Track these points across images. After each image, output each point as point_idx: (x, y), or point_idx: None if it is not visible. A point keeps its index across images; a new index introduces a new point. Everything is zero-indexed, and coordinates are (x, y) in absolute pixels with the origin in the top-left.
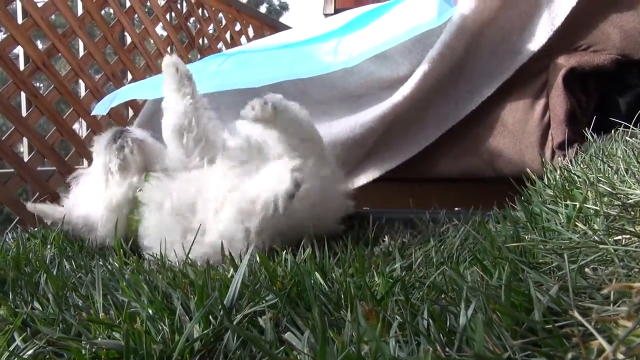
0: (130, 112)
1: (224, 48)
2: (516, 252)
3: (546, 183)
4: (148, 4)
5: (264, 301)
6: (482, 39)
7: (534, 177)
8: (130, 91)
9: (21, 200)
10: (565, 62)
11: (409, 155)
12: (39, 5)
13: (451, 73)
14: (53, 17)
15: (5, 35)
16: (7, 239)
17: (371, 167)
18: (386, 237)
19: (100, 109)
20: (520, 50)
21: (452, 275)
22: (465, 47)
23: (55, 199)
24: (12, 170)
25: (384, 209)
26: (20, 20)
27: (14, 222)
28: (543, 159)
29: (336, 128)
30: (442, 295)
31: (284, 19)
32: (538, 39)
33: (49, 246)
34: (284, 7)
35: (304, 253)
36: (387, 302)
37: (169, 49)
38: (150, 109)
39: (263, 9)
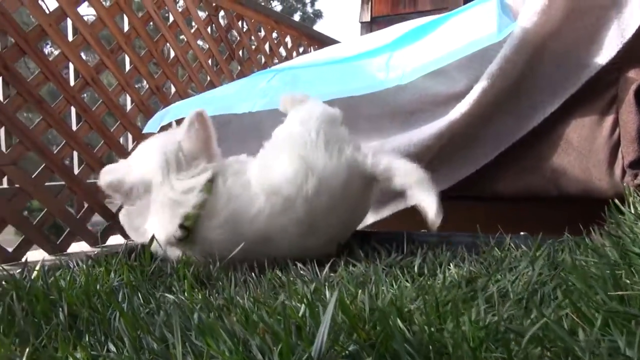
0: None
1: (262, 59)
2: (616, 299)
3: (633, 212)
4: (190, 17)
5: (346, 351)
6: (544, 52)
7: (619, 205)
8: (180, 108)
9: (70, 210)
10: (636, 76)
11: (465, 174)
12: (87, 21)
13: (511, 88)
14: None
15: (58, 53)
16: (70, 264)
17: None
18: (451, 265)
19: (152, 126)
20: (586, 63)
21: (551, 325)
22: (526, 61)
23: (103, 210)
24: (62, 183)
25: (444, 231)
26: (70, 38)
27: (63, 235)
28: (622, 182)
29: (388, 146)
30: (545, 351)
31: (318, 27)
32: (606, 52)
33: (112, 275)
34: (318, 15)
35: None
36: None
37: (210, 61)
38: None
39: (297, 17)
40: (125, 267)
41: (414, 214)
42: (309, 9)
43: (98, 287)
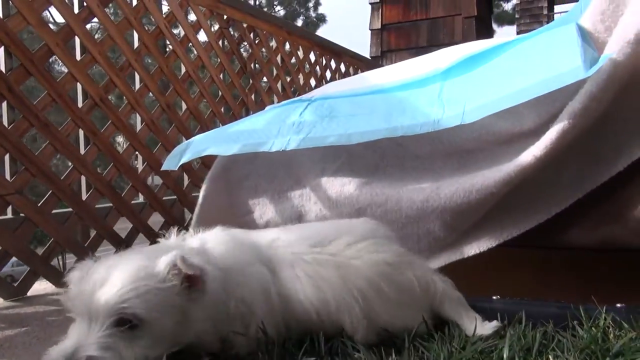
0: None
1: (274, 71)
2: None
3: None
4: (201, 31)
5: None
6: (634, 88)
7: None
8: (203, 143)
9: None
10: None
11: (534, 223)
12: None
13: (593, 129)
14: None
15: (65, 73)
16: None
17: (486, 235)
18: (550, 357)
19: (171, 163)
20: None
21: None
22: (613, 98)
23: (112, 236)
24: (70, 209)
25: (517, 298)
26: (78, 57)
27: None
28: None
29: (445, 191)
30: None
31: (321, 31)
32: None
33: None
34: (321, 19)
35: None
36: None
37: (221, 75)
38: (224, 161)
39: (299, 21)
40: None
41: (476, 273)
42: (312, 14)
43: None
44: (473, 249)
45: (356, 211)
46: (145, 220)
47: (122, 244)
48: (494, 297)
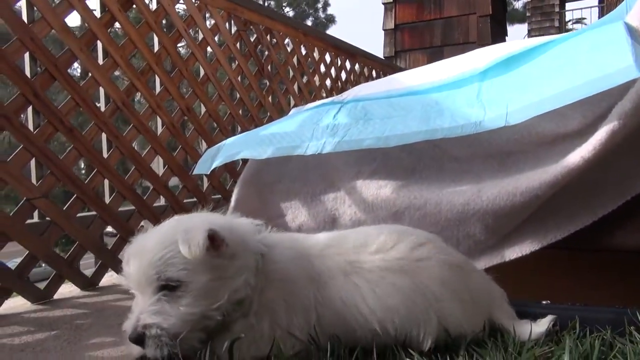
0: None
1: (291, 72)
2: None
3: None
4: (219, 34)
5: None
6: None
7: None
8: (235, 147)
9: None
10: None
11: (580, 226)
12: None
13: None
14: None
15: (88, 77)
16: None
17: (528, 238)
18: None
19: (203, 167)
20: None
21: None
22: None
23: None
24: (94, 213)
25: (569, 303)
26: (101, 61)
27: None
28: None
29: (487, 194)
30: None
31: (330, 32)
32: None
33: None
34: (331, 20)
35: None
36: None
37: (239, 78)
38: (256, 164)
39: (309, 22)
40: None
41: (516, 277)
42: (321, 14)
43: None
44: (515, 252)
45: (393, 214)
46: None
47: None
48: (544, 302)
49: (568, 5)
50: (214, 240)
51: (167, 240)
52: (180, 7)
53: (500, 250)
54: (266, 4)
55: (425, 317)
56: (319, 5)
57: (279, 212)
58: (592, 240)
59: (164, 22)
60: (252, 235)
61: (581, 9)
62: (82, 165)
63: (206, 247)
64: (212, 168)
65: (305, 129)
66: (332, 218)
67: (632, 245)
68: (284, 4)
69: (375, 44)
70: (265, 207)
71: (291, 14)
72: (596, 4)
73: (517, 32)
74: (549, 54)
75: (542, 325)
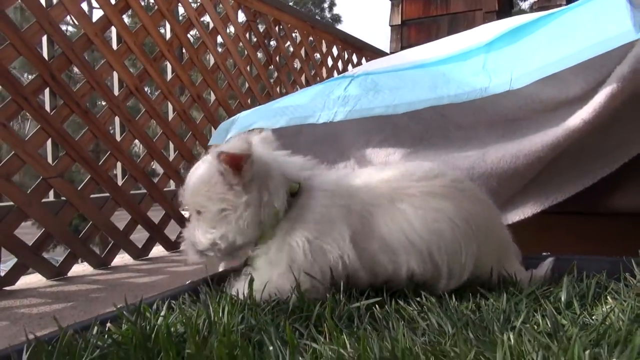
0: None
1: (298, 64)
2: None
3: None
4: (229, 24)
5: None
6: None
7: None
8: (249, 118)
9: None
10: None
11: (580, 188)
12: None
13: None
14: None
15: (103, 62)
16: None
17: (531, 200)
18: (609, 298)
19: (218, 138)
20: None
21: None
22: None
23: (146, 222)
24: (107, 194)
25: (569, 254)
26: (115, 46)
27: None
28: None
29: (492, 157)
30: None
31: None
32: None
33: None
34: (337, 20)
35: None
36: None
37: (248, 67)
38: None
39: None
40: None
41: (518, 238)
42: (327, 14)
43: (224, 335)
44: (518, 214)
45: None
46: (177, 207)
47: (154, 228)
48: (544, 254)
49: None
50: (231, 163)
51: (203, 173)
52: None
53: (503, 213)
54: None
55: (467, 242)
56: (325, 5)
57: None
58: (591, 203)
59: (180, 10)
60: (288, 167)
61: None
62: (91, 148)
63: (220, 171)
64: (227, 138)
65: (317, 101)
66: None
67: (630, 206)
68: (290, 3)
69: (379, 42)
70: None
71: None
72: None
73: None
74: (553, 23)
75: (541, 269)
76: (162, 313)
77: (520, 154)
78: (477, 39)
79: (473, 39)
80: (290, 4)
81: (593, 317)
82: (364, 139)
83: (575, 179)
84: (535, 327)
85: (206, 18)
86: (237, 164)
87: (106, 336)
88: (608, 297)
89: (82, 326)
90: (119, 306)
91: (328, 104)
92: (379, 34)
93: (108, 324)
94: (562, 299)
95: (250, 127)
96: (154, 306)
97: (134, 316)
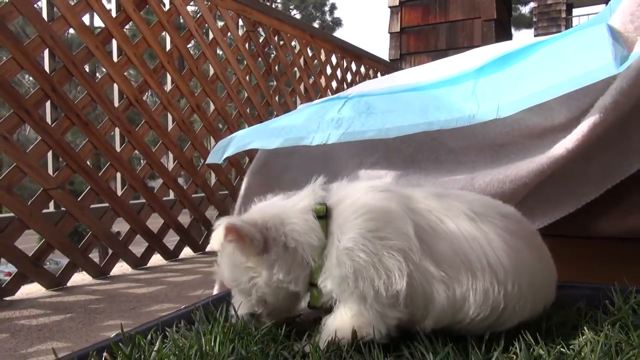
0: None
1: (297, 73)
2: None
3: None
4: (229, 34)
5: None
6: None
7: None
8: (246, 138)
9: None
10: None
11: (564, 213)
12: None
13: (621, 122)
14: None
15: (103, 75)
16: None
17: None
18: (585, 328)
19: (215, 156)
20: None
21: None
22: None
23: (145, 232)
24: (106, 205)
25: None
26: (115, 58)
27: (108, 256)
28: None
29: (479, 182)
30: None
31: (337, 35)
32: None
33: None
34: (337, 23)
35: None
36: None
37: (247, 77)
38: (264, 156)
39: (316, 25)
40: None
41: None
42: (328, 18)
43: None
44: None
45: None
46: (176, 217)
47: (154, 238)
48: None
49: (575, 11)
50: (234, 233)
51: (223, 249)
52: (192, 7)
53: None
54: (274, 5)
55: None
56: (326, 9)
57: None
58: (577, 228)
59: (180, 20)
60: (298, 204)
61: (588, 15)
62: (94, 160)
63: (229, 240)
64: (224, 157)
65: (312, 122)
66: None
67: (614, 231)
68: (291, 7)
69: (377, 47)
70: (272, 196)
71: (298, 16)
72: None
73: (524, 37)
74: (540, 52)
75: None
76: (157, 345)
77: (507, 180)
78: (470, 63)
79: (466, 63)
80: (292, 7)
81: (570, 347)
82: (357, 161)
83: (560, 204)
84: (514, 356)
85: (206, 27)
86: (240, 236)
87: None
88: (585, 327)
89: (79, 355)
90: (114, 334)
91: (322, 125)
92: (379, 40)
93: (104, 355)
94: (543, 327)
95: (247, 147)
96: (149, 336)
97: (128, 348)
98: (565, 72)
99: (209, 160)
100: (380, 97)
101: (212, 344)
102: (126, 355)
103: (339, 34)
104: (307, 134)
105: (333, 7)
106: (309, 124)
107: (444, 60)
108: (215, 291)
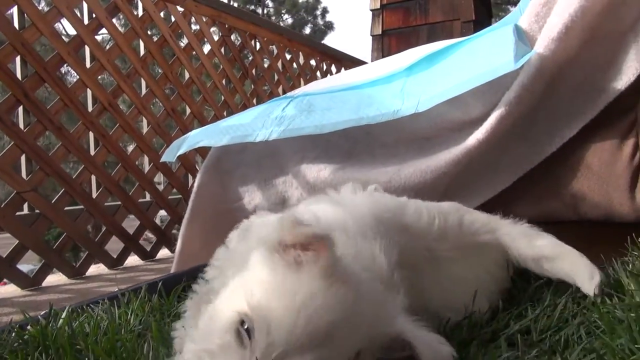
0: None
1: (276, 77)
2: None
3: None
4: (204, 39)
5: None
6: (562, 79)
7: None
8: (197, 137)
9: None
10: None
11: (483, 200)
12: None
13: (528, 115)
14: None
15: (76, 80)
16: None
17: None
18: None
19: (169, 155)
20: (604, 88)
21: None
22: (544, 88)
23: (121, 232)
24: (81, 207)
25: None
26: (88, 64)
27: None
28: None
29: (405, 172)
30: None
31: (329, 39)
32: (625, 77)
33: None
34: (329, 27)
35: None
36: None
37: (224, 81)
38: (216, 153)
39: (307, 29)
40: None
41: None
42: (320, 21)
43: (123, 334)
44: None
45: None
46: (152, 218)
47: (130, 239)
48: None
49: None
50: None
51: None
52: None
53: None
54: (265, 10)
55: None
56: (318, 12)
57: (237, 196)
58: (498, 212)
59: (157, 25)
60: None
61: None
62: (71, 164)
63: None
64: (177, 155)
65: (258, 120)
66: (283, 199)
67: (530, 215)
68: (282, 12)
69: (367, 50)
70: (225, 192)
71: (290, 21)
72: None
73: None
74: (460, 51)
75: None
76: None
77: (428, 170)
78: (405, 62)
79: (401, 62)
80: (283, 11)
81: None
82: (300, 156)
83: (479, 192)
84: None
85: (181, 32)
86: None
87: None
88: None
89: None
90: (42, 313)
91: (266, 123)
92: (366, 43)
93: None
94: None
95: (197, 145)
96: (71, 311)
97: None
98: (475, 69)
99: (164, 158)
100: (322, 96)
101: (129, 317)
102: (40, 325)
103: (330, 37)
104: (252, 132)
105: (325, 11)
106: (255, 122)
107: (382, 60)
108: None
